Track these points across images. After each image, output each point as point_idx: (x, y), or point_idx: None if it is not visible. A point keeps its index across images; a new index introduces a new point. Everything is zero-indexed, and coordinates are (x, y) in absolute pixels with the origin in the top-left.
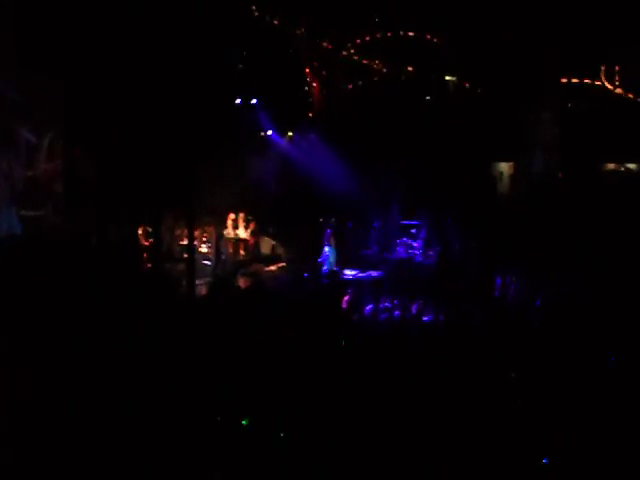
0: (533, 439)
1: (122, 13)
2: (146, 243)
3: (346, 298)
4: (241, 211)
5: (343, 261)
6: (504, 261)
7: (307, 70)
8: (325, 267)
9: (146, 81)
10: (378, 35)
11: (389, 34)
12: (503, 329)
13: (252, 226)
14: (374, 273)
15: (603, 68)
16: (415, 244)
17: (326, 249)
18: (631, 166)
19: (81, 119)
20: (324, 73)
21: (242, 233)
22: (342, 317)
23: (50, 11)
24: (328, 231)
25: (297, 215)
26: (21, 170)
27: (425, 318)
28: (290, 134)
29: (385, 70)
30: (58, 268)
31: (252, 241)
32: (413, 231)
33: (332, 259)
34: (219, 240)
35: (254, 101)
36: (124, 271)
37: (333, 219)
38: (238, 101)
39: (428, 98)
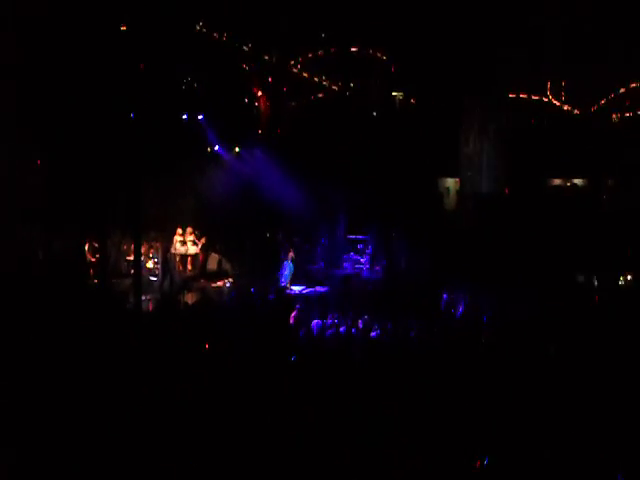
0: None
1: (73, 27)
2: (92, 259)
3: (293, 314)
4: (188, 226)
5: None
6: (450, 277)
7: (254, 86)
8: (282, 281)
9: (94, 96)
10: (323, 52)
11: (333, 50)
12: (450, 345)
13: (203, 241)
14: (321, 288)
15: (549, 84)
16: (362, 259)
17: (285, 264)
18: (577, 181)
19: (29, 132)
20: (271, 89)
21: (190, 248)
22: (289, 333)
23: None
24: (286, 245)
25: (244, 230)
26: None
27: (372, 334)
28: (237, 149)
29: (332, 86)
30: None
31: (201, 256)
32: (360, 246)
33: (289, 273)
34: (166, 256)
35: (201, 117)
36: (70, 286)
37: (280, 234)
38: (185, 117)
39: (375, 114)
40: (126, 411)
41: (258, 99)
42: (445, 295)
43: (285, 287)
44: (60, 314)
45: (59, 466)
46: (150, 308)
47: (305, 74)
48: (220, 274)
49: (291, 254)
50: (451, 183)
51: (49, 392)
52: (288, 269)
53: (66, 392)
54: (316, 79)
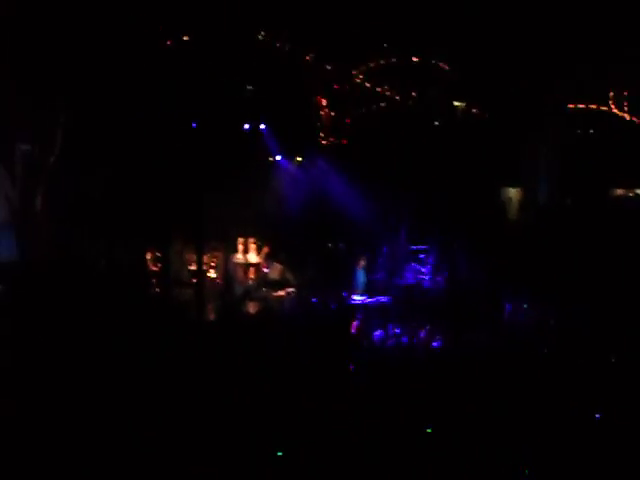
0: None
1: (134, 34)
2: (155, 268)
3: (355, 324)
4: (250, 236)
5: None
6: (513, 287)
7: (316, 95)
8: (355, 289)
9: (156, 106)
10: (386, 61)
11: (395, 60)
12: (512, 355)
13: (265, 250)
14: (382, 298)
15: (611, 93)
16: (423, 269)
17: (357, 271)
18: None
19: (89, 140)
20: (333, 98)
21: (252, 258)
22: (351, 343)
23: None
24: (357, 254)
25: (306, 240)
26: (22, 191)
27: (434, 344)
28: (299, 159)
29: (393, 96)
30: (64, 293)
31: (263, 266)
32: (421, 256)
33: (362, 282)
34: (227, 265)
35: (262, 126)
36: (132, 295)
37: (341, 244)
38: (246, 126)
39: (436, 123)
40: (188, 418)
41: (320, 108)
42: (508, 305)
43: (347, 297)
44: (122, 323)
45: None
46: (212, 318)
47: (367, 83)
48: (282, 284)
49: (362, 262)
50: (513, 193)
51: (113, 400)
52: (360, 277)
53: (128, 401)
54: (378, 89)
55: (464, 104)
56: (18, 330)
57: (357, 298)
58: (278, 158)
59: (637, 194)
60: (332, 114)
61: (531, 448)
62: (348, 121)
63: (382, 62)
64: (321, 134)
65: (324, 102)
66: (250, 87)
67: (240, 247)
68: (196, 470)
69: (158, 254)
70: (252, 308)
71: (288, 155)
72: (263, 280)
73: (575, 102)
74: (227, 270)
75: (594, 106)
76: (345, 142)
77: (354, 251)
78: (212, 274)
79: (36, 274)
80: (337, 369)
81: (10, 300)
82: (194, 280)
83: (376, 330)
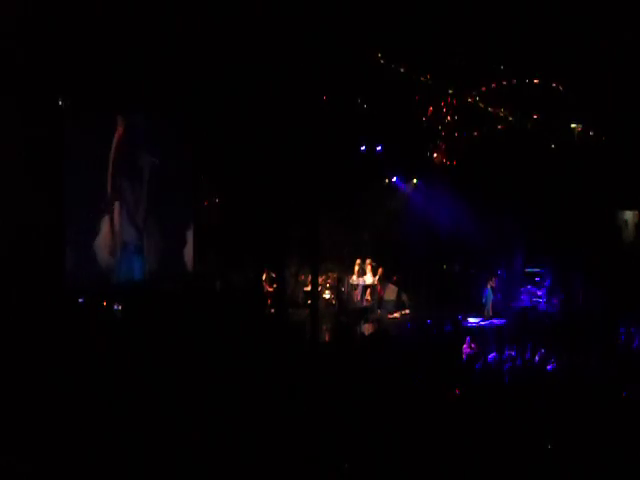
0: None
1: (248, 62)
2: (270, 289)
3: (466, 346)
4: (367, 257)
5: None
6: (629, 311)
7: (432, 117)
8: (485, 306)
9: (271, 130)
10: (503, 82)
11: (514, 82)
12: (629, 380)
13: (380, 272)
14: (498, 321)
15: None
16: (539, 292)
17: (486, 290)
18: None
19: (208, 166)
20: (449, 120)
21: (368, 279)
22: (463, 366)
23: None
24: (487, 274)
25: (421, 261)
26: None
27: (549, 367)
28: (414, 181)
29: (510, 117)
30: (183, 312)
31: (379, 287)
32: (537, 279)
33: (489, 300)
34: (343, 286)
35: (379, 148)
36: (248, 316)
37: (457, 266)
38: (363, 148)
39: (553, 146)
40: (299, 439)
41: (436, 130)
42: (623, 329)
43: (462, 319)
44: (238, 343)
45: None
46: (327, 338)
47: (482, 105)
48: (398, 305)
49: (492, 282)
50: (629, 216)
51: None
52: (489, 297)
53: (242, 418)
54: (494, 110)
55: (580, 126)
56: (130, 348)
57: (472, 320)
58: (394, 179)
59: None
60: (450, 135)
61: None
62: (463, 143)
63: (500, 84)
64: (439, 156)
65: (440, 124)
66: (366, 109)
67: (356, 268)
68: None
69: (273, 275)
70: (367, 329)
71: (404, 176)
72: (378, 301)
73: None
74: (342, 291)
75: None
76: (460, 164)
77: (470, 273)
78: (327, 295)
79: (153, 294)
80: (448, 392)
81: (126, 320)
82: (309, 301)
83: (491, 353)
